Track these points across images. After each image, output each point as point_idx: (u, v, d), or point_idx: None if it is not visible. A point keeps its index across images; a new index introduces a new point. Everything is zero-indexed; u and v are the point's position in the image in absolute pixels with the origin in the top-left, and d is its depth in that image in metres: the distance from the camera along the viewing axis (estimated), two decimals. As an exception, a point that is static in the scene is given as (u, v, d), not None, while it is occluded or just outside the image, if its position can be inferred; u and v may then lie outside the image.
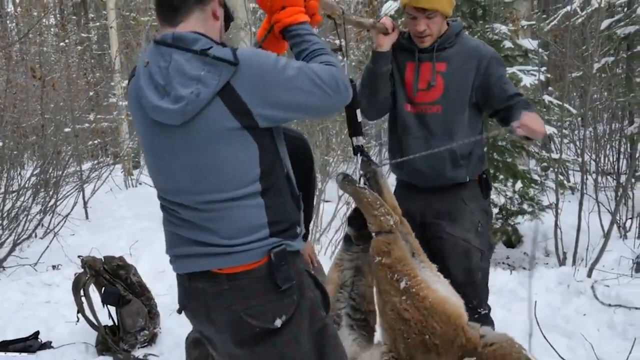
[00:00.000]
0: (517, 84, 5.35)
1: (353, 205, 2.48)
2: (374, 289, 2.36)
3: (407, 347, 2.24)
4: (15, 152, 7.79)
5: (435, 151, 2.67)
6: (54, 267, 6.08)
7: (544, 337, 3.32)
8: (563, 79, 7.05)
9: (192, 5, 1.76)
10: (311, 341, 1.79)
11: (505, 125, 2.70)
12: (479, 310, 2.87)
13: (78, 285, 3.76)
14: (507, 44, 5.76)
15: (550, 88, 8.44)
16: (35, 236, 7.22)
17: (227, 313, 1.75)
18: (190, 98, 1.62)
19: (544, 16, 9.30)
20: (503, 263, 6.22)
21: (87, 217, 8.85)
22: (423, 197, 2.88)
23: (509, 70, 5.33)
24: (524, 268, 6.01)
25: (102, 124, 13.02)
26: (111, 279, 3.81)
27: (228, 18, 1.92)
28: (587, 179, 5.64)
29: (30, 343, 3.80)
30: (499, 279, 4.55)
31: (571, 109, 6.86)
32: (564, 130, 7.21)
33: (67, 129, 9.16)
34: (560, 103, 5.99)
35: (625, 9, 7.21)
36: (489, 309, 2.97)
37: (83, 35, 21.29)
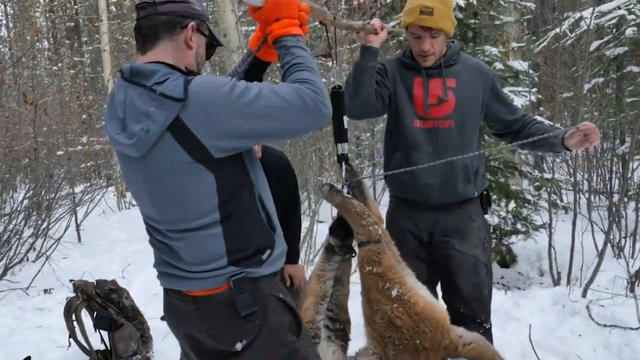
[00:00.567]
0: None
1: (335, 215, 2.47)
2: (362, 299, 2.36)
3: (398, 354, 2.27)
4: (7, 175, 7.76)
5: (443, 161, 2.66)
6: (45, 291, 6.02)
7: (539, 359, 3.30)
8: (554, 99, 7.11)
9: (160, 35, 1.77)
10: None
11: (514, 139, 2.86)
12: (484, 325, 2.90)
13: (70, 310, 3.73)
14: (498, 65, 5.83)
15: (541, 108, 8.52)
16: (27, 260, 7.17)
17: (194, 331, 1.81)
18: (140, 135, 1.65)
19: (534, 38, 9.41)
20: (498, 283, 6.21)
21: (79, 240, 8.81)
22: (430, 216, 2.85)
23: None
24: (519, 288, 6.00)
25: (95, 146, 13.03)
26: (103, 303, 3.77)
27: (212, 44, 1.93)
28: (580, 198, 5.65)
29: (21, 369, 3.75)
30: (493, 299, 4.49)
31: (562, 129, 6.90)
32: (555, 150, 7.25)
33: (59, 152, 9.16)
34: (552, 123, 6.04)
35: (614, 31, 7.32)
36: (491, 324, 2.99)
37: (76, 58, 21.40)
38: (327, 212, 7.67)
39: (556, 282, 5.35)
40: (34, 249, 7.31)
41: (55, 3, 23.29)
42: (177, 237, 1.77)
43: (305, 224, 4.84)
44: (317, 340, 2.32)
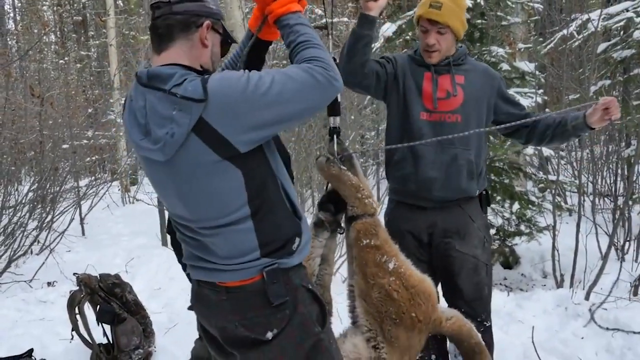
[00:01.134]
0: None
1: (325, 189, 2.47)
2: (355, 275, 2.36)
3: (394, 329, 2.29)
4: (12, 168, 7.79)
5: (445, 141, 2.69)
6: (49, 283, 6.04)
7: (542, 360, 3.30)
8: (560, 101, 7.08)
9: (176, 35, 1.78)
10: (301, 355, 1.83)
11: (528, 141, 2.94)
12: (485, 323, 2.91)
13: (73, 303, 3.74)
14: (505, 66, 5.82)
15: (547, 110, 8.48)
16: (31, 252, 7.19)
17: (225, 320, 1.84)
18: (166, 139, 1.66)
19: (541, 39, 9.37)
20: (500, 284, 6.20)
21: (83, 234, 8.84)
22: (430, 216, 2.85)
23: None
24: (521, 289, 5.99)
25: (100, 140, 13.06)
26: (106, 297, 3.78)
27: (226, 41, 1.93)
28: (584, 200, 5.63)
29: (24, 361, 3.77)
30: (496, 300, 4.50)
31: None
32: (561, 152, 7.25)
33: (65, 146, 9.18)
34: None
35: (622, 33, 7.29)
36: (491, 322, 3.00)
37: (83, 53, 21.44)
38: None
39: (559, 285, 5.33)
40: (38, 241, 7.33)
41: (63, -3, 23.34)
42: (209, 234, 1.80)
43: (308, 221, 4.85)
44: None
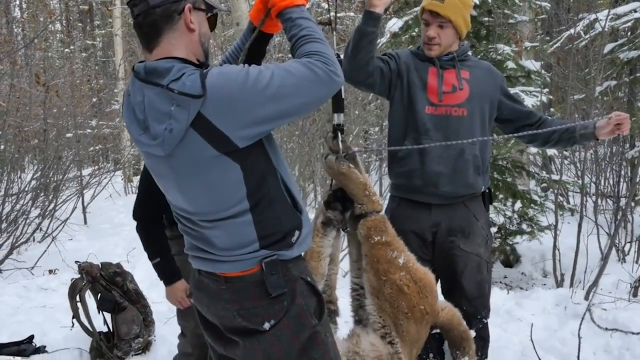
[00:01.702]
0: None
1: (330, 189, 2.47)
2: (369, 273, 2.38)
3: (406, 322, 2.33)
4: (16, 156, 7.81)
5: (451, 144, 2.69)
6: (50, 271, 6.07)
7: (540, 359, 3.30)
8: (565, 101, 7.07)
9: (161, 29, 1.73)
10: (297, 346, 1.84)
11: (532, 141, 2.98)
12: (484, 320, 2.93)
13: (74, 291, 3.76)
14: (510, 64, 5.80)
15: (552, 109, 8.47)
16: (34, 240, 7.23)
17: (223, 310, 1.86)
18: (164, 135, 1.66)
19: (548, 38, 9.35)
20: (500, 282, 6.21)
21: (85, 223, 8.86)
22: (434, 215, 2.84)
23: (512, 90, 5.37)
24: (521, 288, 5.99)
25: (104, 130, 13.06)
26: (107, 285, 3.80)
27: (211, 11, 1.88)
28: (586, 201, 5.64)
29: (25, 347, 3.79)
30: (495, 299, 4.52)
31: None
32: (564, 152, 7.23)
33: (69, 134, 9.20)
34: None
35: (629, 34, 7.27)
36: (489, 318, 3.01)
37: (88, 42, 21.42)
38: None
39: (559, 284, 5.34)
40: (41, 229, 7.36)
41: (70, -15, 23.31)
42: (209, 226, 1.80)
43: (310, 215, 4.85)
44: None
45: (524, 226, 6.31)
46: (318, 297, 1.92)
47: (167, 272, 2.77)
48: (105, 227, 8.78)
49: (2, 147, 7.29)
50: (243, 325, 1.82)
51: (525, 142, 3.11)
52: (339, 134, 2.39)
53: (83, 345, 3.83)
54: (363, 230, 2.36)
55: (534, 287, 5.68)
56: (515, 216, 6.26)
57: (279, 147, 1.92)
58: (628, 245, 6.08)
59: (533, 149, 6.31)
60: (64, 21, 22.76)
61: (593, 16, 6.51)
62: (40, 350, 3.81)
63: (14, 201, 7.00)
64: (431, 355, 2.95)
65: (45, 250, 6.53)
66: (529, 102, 5.56)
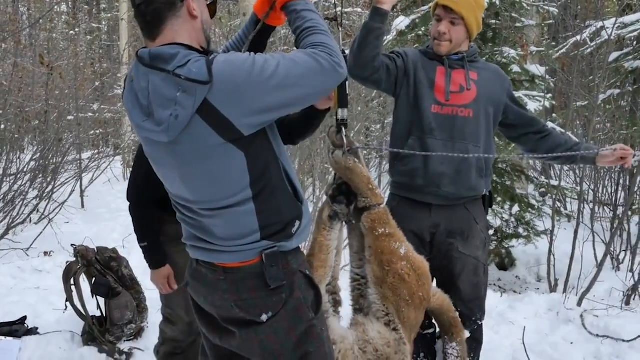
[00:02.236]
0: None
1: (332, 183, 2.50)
2: (373, 264, 2.43)
3: (407, 309, 2.41)
4: (16, 136, 7.79)
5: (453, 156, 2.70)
6: (46, 253, 6.08)
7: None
8: (568, 107, 7.06)
9: (164, 16, 1.73)
10: (293, 338, 1.85)
11: (533, 150, 2.98)
12: (478, 322, 2.95)
13: (69, 274, 3.76)
14: (515, 68, 5.80)
15: (554, 115, 8.47)
16: (30, 221, 7.22)
17: (221, 300, 1.86)
18: (170, 121, 1.65)
19: (554, 43, 9.33)
20: (494, 285, 6.22)
21: (82, 206, 8.86)
22: (433, 216, 2.83)
23: (515, 94, 5.38)
24: (515, 291, 6.01)
25: (105, 114, 13.03)
26: (102, 270, 3.80)
27: (212, 3, 1.90)
28: (584, 208, 5.64)
29: (17, 328, 3.79)
30: (489, 301, 4.50)
31: (574, 137, 6.88)
32: (564, 158, 7.22)
33: (70, 117, 9.19)
34: (563, 131, 6.02)
35: (635, 43, 7.26)
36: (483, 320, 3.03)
37: (94, 25, 21.38)
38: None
39: (553, 289, 5.36)
40: (38, 211, 7.36)
41: (77, -32, 23.24)
42: (210, 215, 1.80)
43: (309, 209, 4.86)
44: (327, 315, 2.34)
45: (521, 230, 6.33)
46: (315, 291, 1.93)
47: (154, 257, 2.83)
48: (102, 211, 8.77)
49: (3, 126, 7.28)
50: (240, 316, 1.83)
51: (525, 151, 3.09)
52: (343, 129, 2.39)
53: (75, 329, 3.84)
54: (367, 222, 2.42)
55: (528, 291, 5.70)
56: (512, 220, 6.28)
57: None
58: (623, 253, 6.09)
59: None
60: (70, 3, 22.70)
61: (600, 24, 6.50)
62: (33, 331, 3.81)
63: (12, 181, 6.99)
64: (422, 355, 2.96)
65: (42, 232, 6.54)
66: (532, 106, 5.57)
